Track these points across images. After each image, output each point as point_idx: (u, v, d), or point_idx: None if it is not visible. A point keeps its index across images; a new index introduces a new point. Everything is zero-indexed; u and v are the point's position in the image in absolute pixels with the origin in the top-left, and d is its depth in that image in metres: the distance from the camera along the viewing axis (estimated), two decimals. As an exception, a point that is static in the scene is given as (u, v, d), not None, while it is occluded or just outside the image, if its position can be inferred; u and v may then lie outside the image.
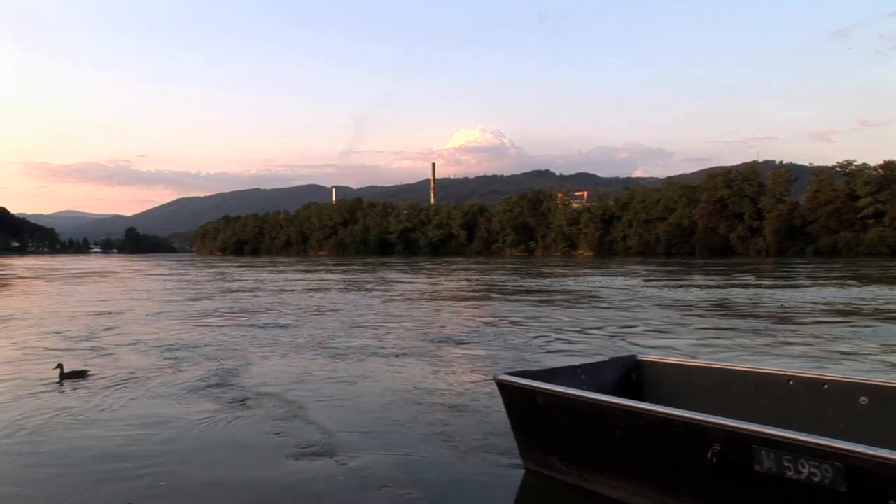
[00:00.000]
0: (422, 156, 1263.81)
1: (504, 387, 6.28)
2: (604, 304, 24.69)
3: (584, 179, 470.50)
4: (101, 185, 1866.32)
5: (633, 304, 24.96)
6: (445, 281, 46.92)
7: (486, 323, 18.07)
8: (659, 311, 21.52)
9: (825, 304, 24.32)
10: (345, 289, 36.51)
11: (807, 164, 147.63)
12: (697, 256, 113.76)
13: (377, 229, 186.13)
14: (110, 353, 13.02)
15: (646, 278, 47.30)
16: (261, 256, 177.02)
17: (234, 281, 45.46)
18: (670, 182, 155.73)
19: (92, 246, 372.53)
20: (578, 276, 52.10)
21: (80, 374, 10.59)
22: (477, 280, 47.59)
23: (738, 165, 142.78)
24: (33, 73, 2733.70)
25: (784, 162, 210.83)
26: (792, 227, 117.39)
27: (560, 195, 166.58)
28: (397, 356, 12.70)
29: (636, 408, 5.16)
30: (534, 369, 6.82)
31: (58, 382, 10.16)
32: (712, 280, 43.18)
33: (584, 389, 5.84)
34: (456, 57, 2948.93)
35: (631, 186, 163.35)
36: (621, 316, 19.84)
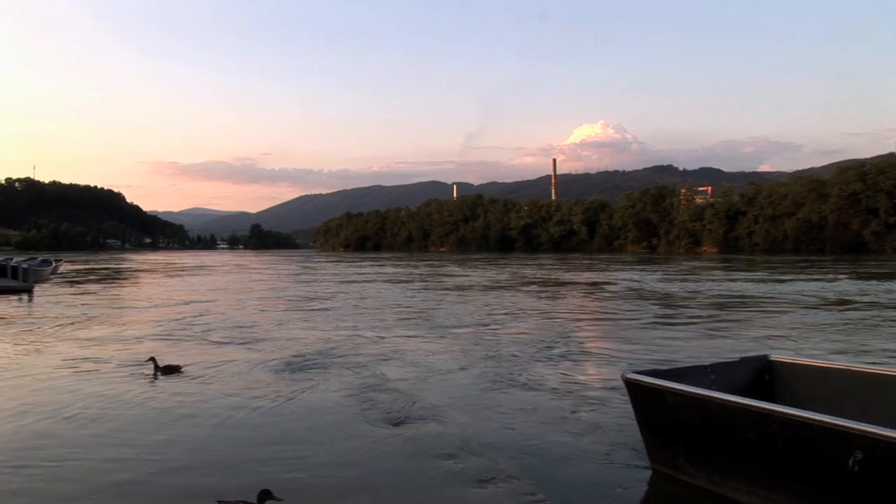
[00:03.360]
0: (542, 152, 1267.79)
1: (632, 385, 6.31)
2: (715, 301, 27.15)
3: (707, 175, 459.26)
4: (228, 182, 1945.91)
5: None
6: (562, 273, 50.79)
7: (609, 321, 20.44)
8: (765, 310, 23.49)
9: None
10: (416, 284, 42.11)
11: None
12: (828, 253, 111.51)
13: (498, 225, 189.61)
14: (198, 341, 15.77)
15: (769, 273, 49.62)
16: (382, 252, 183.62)
17: (321, 272, 56.65)
18: (799, 176, 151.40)
19: (219, 242, 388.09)
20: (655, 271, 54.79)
21: (174, 369, 11.47)
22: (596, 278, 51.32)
23: (873, 158, 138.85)
24: (163, 75, 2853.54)
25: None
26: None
27: (683, 191, 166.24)
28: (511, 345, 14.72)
29: (769, 410, 5.04)
30: (662, 368, 6.90)
31: (151, 376, 11.18)
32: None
33: (713, 390, 5.82)
34: (576, 52, 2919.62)
35: (757, 181, 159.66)
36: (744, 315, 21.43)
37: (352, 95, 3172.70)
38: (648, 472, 6.37)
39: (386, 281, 43.12)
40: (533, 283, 40.72)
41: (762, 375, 6.89)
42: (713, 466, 5.65)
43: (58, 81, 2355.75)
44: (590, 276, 49.03)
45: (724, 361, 7.06)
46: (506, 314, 22.18)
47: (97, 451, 7.31)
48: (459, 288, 35.87)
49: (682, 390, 5.71)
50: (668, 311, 23.03)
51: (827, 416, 4.64)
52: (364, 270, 59.95)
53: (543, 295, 30.96)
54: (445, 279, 45.31)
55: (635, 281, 41.41)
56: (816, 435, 4.65)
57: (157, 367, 11.32)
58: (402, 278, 46.68)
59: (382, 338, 16.26)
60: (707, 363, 6.87)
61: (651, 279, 43.33)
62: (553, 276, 48.00)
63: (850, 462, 4.40)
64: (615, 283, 39.09)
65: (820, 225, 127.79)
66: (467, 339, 16.04)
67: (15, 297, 29.03)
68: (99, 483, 6.35)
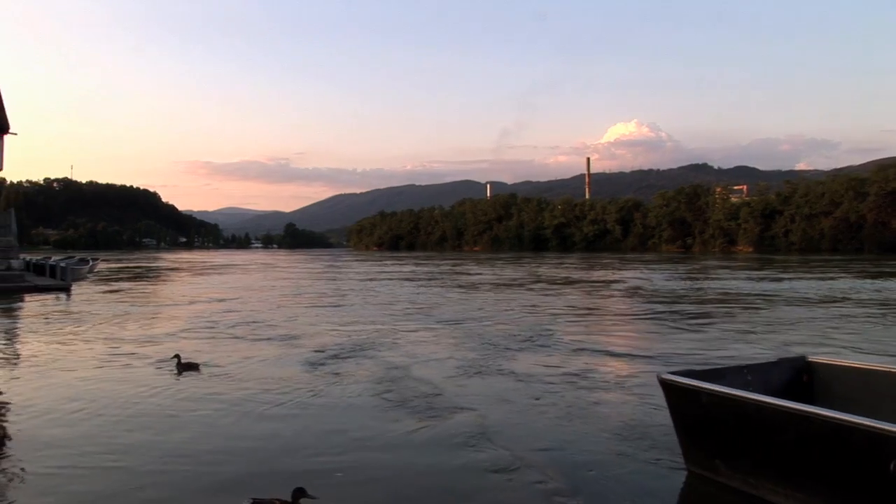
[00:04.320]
0: (576, 151, 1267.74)
1: (667, 386, 6.31)
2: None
3: (743, 173, 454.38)
4: (262, 182, 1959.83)
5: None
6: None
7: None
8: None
9: None
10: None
11: None
12: (866, 253, 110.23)
13: (531, 225, 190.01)
14: (220, 338, 16.67)
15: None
16: (416, 251, 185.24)
17: (345, 271, 59.87)
18: (836, 174, 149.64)
19: (253, 241, 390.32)
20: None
21: (193, 367, 11.99)
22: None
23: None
24: (197, 75, 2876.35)
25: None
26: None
27: (718, 189, 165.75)
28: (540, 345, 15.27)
29: (807, 412, 5.02)
30: (698, 368, 6.86)
31: (175, 372, 11.72)
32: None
33: (750, 391, 5.80)
34: (609, 50, 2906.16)
35: (793, 180, 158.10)
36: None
37: (385, 94, 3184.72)
38: (684, 473, 6.43)
39: (404, 279, 45.61)
40: (543, 281, 42.63)
41: (800, 376, 6.87)
42: (750, 468, 5.66)
43: (94, 82, 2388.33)
44: (602, 274, 51.24)
45: (761, 362, 7.08)
46: (505, 310, 23.71)
47: (128, 449, 7.49)
48: (471, 286, 37.97)
49: (717, 391, 5.74)
50: (658, 307, 24.50)
51: (867, 419, 4.63)
52: (386, 269, 62.55)
53: (548, 292, 32.51)
54: (461, 277, 47.79)
55: (644, 279, 43.00)
56: (856, 438, 4.63)
57: (179, 364, 11.93)
58: (421, 276, 49.43)
59: (394, 333, 17.42)
60: (743, 364, 6.87)
61: (660, 278, 44.99)
62: (565, 275, 49.92)
63: (892, 466, 4.40)
64: (623, 282, 40.85)
65: (858, 224, 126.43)
66: (469, 333, 17.53)
67: (53, 295, 30.17)
68: (130, 481, 6.47)
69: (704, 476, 6.16)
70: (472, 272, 55.27)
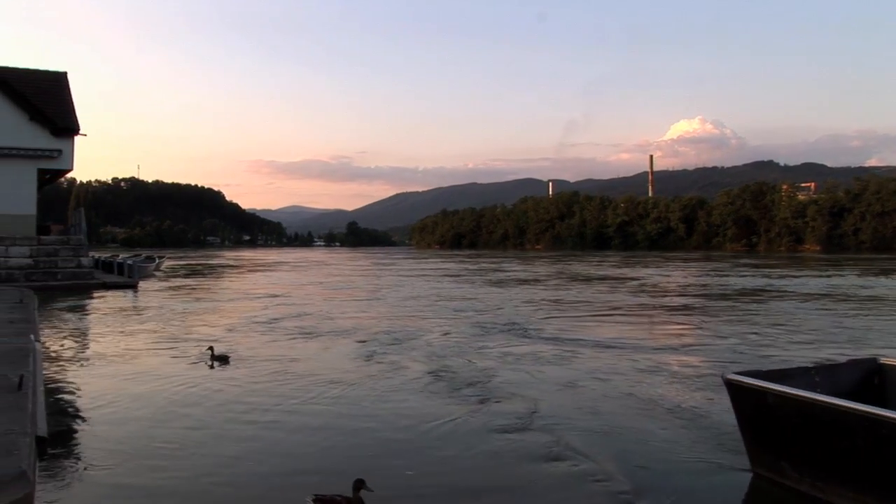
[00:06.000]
0: (639, 148, 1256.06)
1: (733, 386, 6.32)
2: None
3: (810, 170, 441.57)
4: (324, 181, 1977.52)
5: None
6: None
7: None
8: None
9: None
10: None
11: None
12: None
13: (594, 223, 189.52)
14: (268, 332, 17.70)
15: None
16: (477, 249, 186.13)
17: (392, 268, 63.09)
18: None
19: (315, 240, 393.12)
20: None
21: (224, 359, 12.61)
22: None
23: None
24: (260, 74, 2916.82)
25: None
26: None
27: (785, 187, 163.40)
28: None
29: (879, 415, 4.89)
30: (764, 369, 6.79)
31: (209, 364, 12.36)
32: None
33: (818, 392, 5.75)
34: (673, 47, 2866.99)
35: (864, 176, 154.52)
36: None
37: (446, 92, 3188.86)
38: (749, 475, 6.44)
39: (443, 276, 48.72)
40: (567, 278, 44.97)
41: (871, 378, 6.71)
42: (818, 472, 5.60)
43: (161, 83, 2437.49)
44: (626, 271, 53.08)
45: (829, 363, 7.08)
46: (509, 304, 25.94)
47: (182, 446, 7.62)
48: (497, 282, 40.46)
49: (784, 392, 5.70)
50: (654, 302, 26.33)
51: None
52: (430, 267, 65.45)
53: (562, 288, 34.74)
54: (494, 274, 50.60)
55: (665, 276, 45.60)
56: None
57: (213, 356, 12.67)
58: (461, 272, 52.81)
59: (431, 325, 18.80)
60: (811, 364, 6.85)
61: (680, 275, 47.31)
62: (592, 272, 52.54)
63: None
64: (642, 279, 42.75)
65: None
66: (468, 321, 19.63)
67: (121, 292, 31.48)
68: (187, 478, 6.57)
69: (770, 478, 6.19)
70: (506, 269, 58.41)
